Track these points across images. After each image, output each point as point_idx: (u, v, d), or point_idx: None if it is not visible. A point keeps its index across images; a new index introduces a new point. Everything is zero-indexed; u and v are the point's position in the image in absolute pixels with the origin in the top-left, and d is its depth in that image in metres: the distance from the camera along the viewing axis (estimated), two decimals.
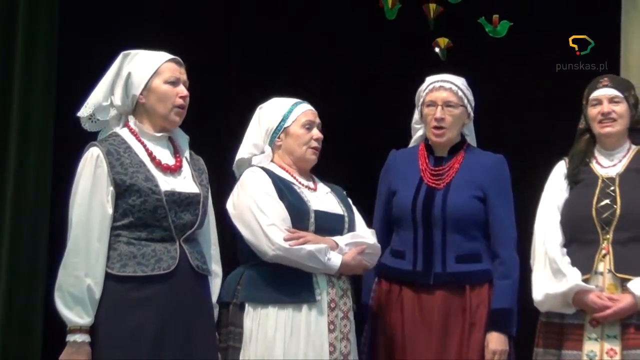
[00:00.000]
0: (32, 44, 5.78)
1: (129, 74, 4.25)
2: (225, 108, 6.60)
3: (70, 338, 4.06)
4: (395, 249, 4.80)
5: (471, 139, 5.00)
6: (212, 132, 5.85)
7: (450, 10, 5.55)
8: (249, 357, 4.48)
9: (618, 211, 4.64)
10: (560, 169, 4.88)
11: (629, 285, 4.57)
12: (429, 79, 4.92)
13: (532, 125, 5.67)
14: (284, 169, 4.69)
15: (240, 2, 6.93)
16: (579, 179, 4.80)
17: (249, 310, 4.50)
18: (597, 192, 4.72)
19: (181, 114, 4.26)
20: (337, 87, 6.57)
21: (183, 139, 4.38)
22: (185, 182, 4.25)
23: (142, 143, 4.23)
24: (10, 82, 5.71)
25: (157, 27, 6.29)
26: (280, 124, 4.70)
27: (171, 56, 4.30)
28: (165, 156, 4.25)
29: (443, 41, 5.60)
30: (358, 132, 6.26)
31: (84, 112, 4.27)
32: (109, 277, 4.10)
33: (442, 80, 4.87)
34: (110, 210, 4.12)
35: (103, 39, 6.04)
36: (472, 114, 4.93)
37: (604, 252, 4.63)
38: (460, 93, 4.86)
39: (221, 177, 4.85)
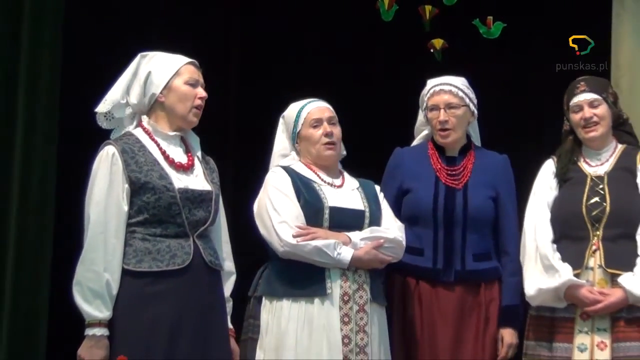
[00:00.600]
0: (37, 42, 5.78)
1: (149, 72, 4.31)
2: (225, 108, 6.61)
3: (89, 332, 4.10)
4: (410, 246, 4.81)
5: (476, 139, 5.08)
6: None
7: (445, 11, 5.58)
8: (264, 348, 4.59)
9: (608, 209, 4.69)
10: (549, 167, 4.92)
11: (620, 280, 4.61)
12: (430, 83, 4.99)
13: (528, 124, 5.76)
14: (309, 167, 4.76)
15: (240, 3, 6.99)
16: (568, 177, 4.84)
17: (265, 303, 4.62)
18: (586, 190, 4.76)
19: (198, 115, 4.32)
20: (335, 86, 6.35)
21: (194, 139, 4.43)
22: (198, 180, 4.30)
23: (156, 142, 4.28)
24: (15, 80, 5.71)
25: (160, 28, 6.32)
26: (294, 130, 4.79)
27: (190, 59, 4.36)
28: (178, 155, 4.31)
29: (438, 42, 5.63)
30: (354, 131, 6.24)
31: (102, 107, 4.34)
32: (125, 273, 4.14)
33: (442, 84, 4.93)
34: (125, 207, 4.17)
35: (107, 38, 6.10)
36: (475, 112, 4.98)
37: (594, 248, 4.67)
38: (460, 94, 4.92)
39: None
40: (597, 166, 4.86)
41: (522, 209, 4.89)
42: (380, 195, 4.86)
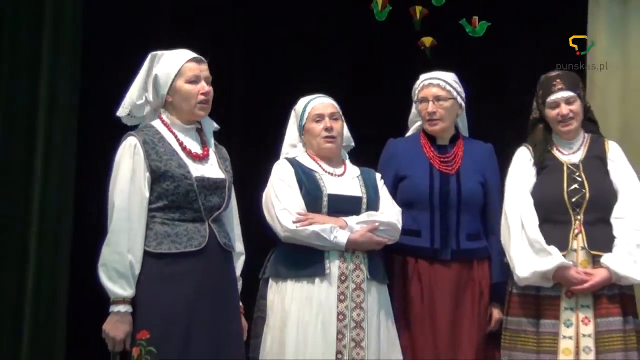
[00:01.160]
0: (58, 42, 5.83)
1: (156, 75, 4.45)
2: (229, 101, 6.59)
3: (114, 309, 4.25)
4: (408, 228, 4.95)
5: (464, 130, 5.24)
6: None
7: (434, 12, 5.63)
8: (270, 326, 4.76)
9: (587, 195, 4.84)
10: (525, 155, 5.02)
11: (603, 260, 4.77)
12: (421, 77, 5.15)
13: (508, 114, 5.77)
14: (312, 158, 4.94)
15: (242, 3, 6.97)
16: (544, 165, 4.96)
17: (272, 284, 4.80)
18: (565, 177, 4.90)
19: (205, 108, 4.47)
20: (334, 80, 6.38)
21: (209, 129, 4.56)
22: (213, 169, 4.45)
23: (174, 133, 4.43)
24: (37, 80, 5.79)
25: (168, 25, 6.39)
26: (300, 123, 4.97)
27: (191, 55, 4.48)
28: (194, 145, 4.45)
29: (428, 40, 5.69)
30: (350, 122, 6.38)
31: (121, 112, 4.50)
32: (146, 254, 4.30)
33: (431, 78, 5.11)
34: (147, 194, 4.32)
35: (124, 37, 6.18)
36: (463, 105, 5.16)
37: (576, 231, 4.81)
38: (448, 87, 5.10)
39: None
40: (570, 154, 4.98)
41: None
42: (380, 182, 4.99)
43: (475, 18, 5.64)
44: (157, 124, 4.46)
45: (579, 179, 4.89)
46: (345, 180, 4.93)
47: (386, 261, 4.99)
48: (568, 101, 4.92)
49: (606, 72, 5.93)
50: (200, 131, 4.52)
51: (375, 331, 4.80)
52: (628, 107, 5.97)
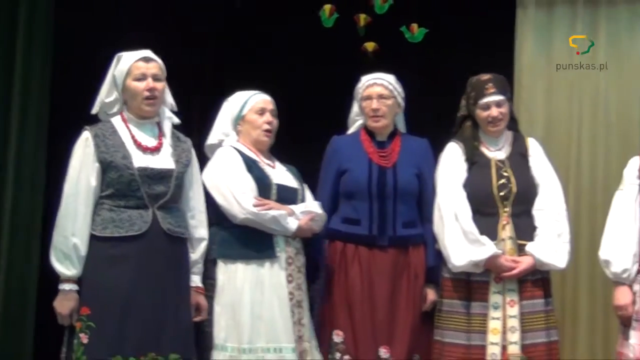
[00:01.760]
0: (30, 47, 5.94)
1: (114, 75, 4.64)
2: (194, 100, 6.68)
3: (61, 287, 4.47)
4: (348, 217, 5.14)
5: (402, 127, 5.38)
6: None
7: (377, 19, 5.79)
8: (221, 303, 4.82)
9: (514, 189, 4.99)
10: (455, 150, 5.13)
11: (528, 249, 4.95)
12: (365, 78, 5.28)
13: (444, 114, 5.56)
14: (249, 149, 5.03)
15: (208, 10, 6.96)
16: (474, 161, 5.10)
17: (220, 265, 4.86)
18: (493, 172, 5.04)
19: (151, 104, 4.61)
20: (284, 81, 6.46)
21: (167, 123, 4.70)
22: (162, 160, 4.58)
23: (129, 128, 4.59)
24: (10, 79, 5.87)
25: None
26: (239, 112, 5.06)
27: (140, 55, 4.64)
28: (147, 139, 4.60)
29: (371, 45, 5.85)
30: (299, 119, 6.33)
31: (95, 109, 4.69)
32: (93, 238, 4.48)
33: (375, 78, 5.25)
34: (94, 183, 4.49)
35: (94, 36, 6.20)
36: (402, 104, 5.30)
37: (504, 222, 4.97)
38: (391, 87, 5.24)
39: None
40: (496, 151, 5.12)
41: None
42: (301, 177, 5.16)
43: (414, 25, 5.81)
44: (116, 119, 4.62)
45: (506, 174, 5.03)
46: (280, 172, 5.06)
47: (328, 248, 5.17)
48: (498, 104, 5.06)
49: (532, 73, 6.22)
50: (160, 125, 4.68)
51: (308, 310, 5.02)
52: (552, 106, 6.29)
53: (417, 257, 5.19)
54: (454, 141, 5.18)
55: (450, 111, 5.40)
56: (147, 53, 4.66)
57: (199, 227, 4.75)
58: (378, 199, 5.14)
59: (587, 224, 6.15)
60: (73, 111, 4.77)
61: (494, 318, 4.95)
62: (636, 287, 4.94)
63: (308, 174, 5.30)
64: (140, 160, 4.53)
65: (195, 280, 4.73)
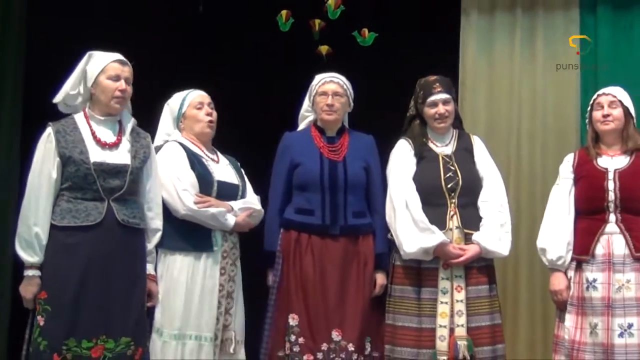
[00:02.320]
0: (3, 45, 6.15)
1: (85, 71, 4.74)
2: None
3: (25, 273, 4.62)
4: (302, 208, 5.26)
5: (346, 124, 5.53)
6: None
7: (330, 24, 5.96)
8: (160, 293, 4.94)
9: (460, 181, 5.14)
10: (405, 146, 5.26)
11: (474, 238, 5.07)
12: (320, 76, 5.43)
13: (392, 113, 5.72)
14: (194, 143, 5.15)
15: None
16: (423, 156, 5.22)
17: (161, 255, 4.98)
18: (441, 166, 5.16)
19: (120, 102, 4.73)
20: (243, 82, 6.87)
21: (128, 121, 4.80)
22: (119, 155, 4.68)
23: (90, 124, 4.70)
24: None
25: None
26: (179, 110, 5.19)
27: (117, 57, 4.77)
28: (107, 135, 4.71)
29: (324, 48, 6.01)
30: (256, 115, 6.67)
31: (57, 98, 4.77)
32: (52, 227, 4.60)
33: (331, 76, 5.42)
34: (54, 176, 4.60)
35: (68, 36, 6.29)
36: (352, 103, 5.47)
37: (452, 213, 5.11)
38: (345, 86, 5.42)
39: None
40: (443, 147, 5.26)
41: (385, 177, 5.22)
42: (242, 171, 5.27)
43: (365, 30, 5.98)
44: (78, 116, 4.73)
45: (453, 168, 5.17)
46: (222, 167, 5.17)
47: (282, 237, 5.28)
48: (445, 102, 5.23)
49: (474, 75, 6.42)
50: (121, 122, 4.80)
51: (239, 301, 5.14)
52: (493, 106, 6.49)
53: (366, 245, 5.30)
54: (404, 138, 5.31)
55: (397, 110, 5.53)
56: (121, 56, 4.79)
57: (155, 219, 4.87)
58: (330, 191, 5.25)
59: (526, 215, 6.27)
60: (46, 111, 4.89)
61: (442, 302, 5.06)
62: (570, 273, 5.10)
63: (262, 168, 5.42)
64: (97, 155, 4.63)
65: (149, 268, 4.86)
